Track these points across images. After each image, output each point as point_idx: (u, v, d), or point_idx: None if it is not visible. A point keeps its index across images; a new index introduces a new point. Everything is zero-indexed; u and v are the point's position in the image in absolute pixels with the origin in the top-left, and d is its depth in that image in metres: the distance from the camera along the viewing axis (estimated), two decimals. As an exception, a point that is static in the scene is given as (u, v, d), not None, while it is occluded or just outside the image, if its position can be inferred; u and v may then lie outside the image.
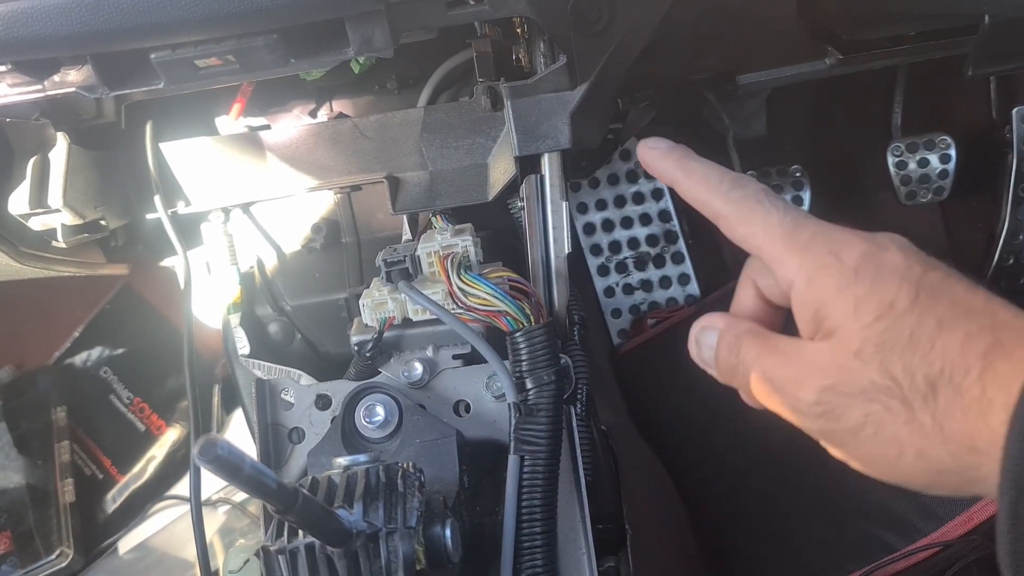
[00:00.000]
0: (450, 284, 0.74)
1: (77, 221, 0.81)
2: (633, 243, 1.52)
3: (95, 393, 1.46)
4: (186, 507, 1.35)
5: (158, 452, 1.42)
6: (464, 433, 0.74)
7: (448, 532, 0.61)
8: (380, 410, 0.74)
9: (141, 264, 1.15)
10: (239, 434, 1.35)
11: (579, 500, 0.73)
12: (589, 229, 1.52)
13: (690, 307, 1.49)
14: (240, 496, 1.30)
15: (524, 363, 0.72)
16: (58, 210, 0.78)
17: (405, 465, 0.63)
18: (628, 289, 1.52)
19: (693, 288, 1.52)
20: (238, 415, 1.40)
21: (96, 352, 1.48)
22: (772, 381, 0.48)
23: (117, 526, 1.39)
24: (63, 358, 1.49)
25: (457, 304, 0.74)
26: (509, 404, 0.71)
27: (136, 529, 1.37)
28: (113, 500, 1.39)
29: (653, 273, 1.52)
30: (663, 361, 1.43)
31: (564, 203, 0.78)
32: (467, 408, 0.76)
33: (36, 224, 0.80)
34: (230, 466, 0.41)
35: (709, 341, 0.54)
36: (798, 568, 1.17)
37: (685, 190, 0.54)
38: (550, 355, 0.72)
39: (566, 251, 0.79)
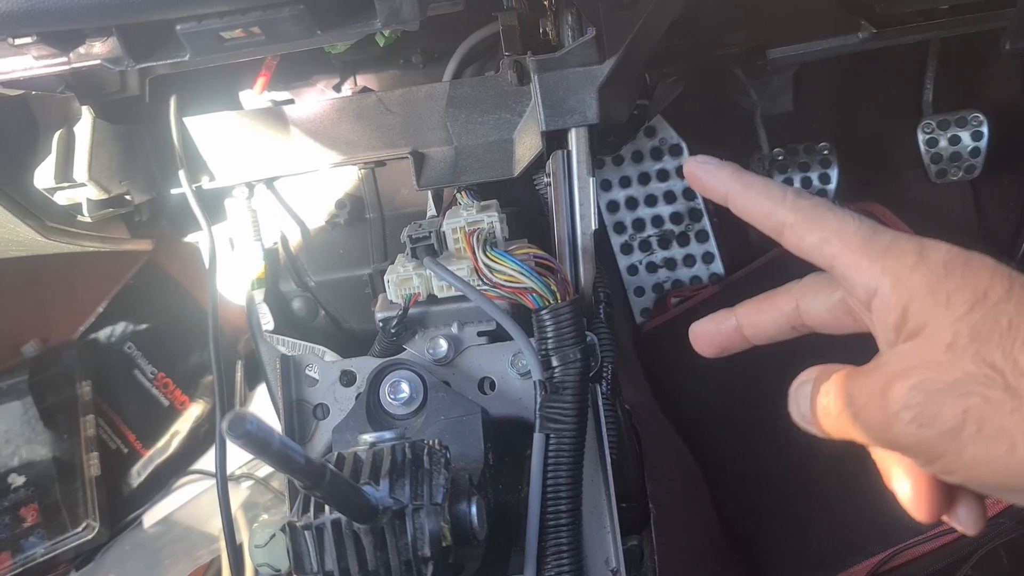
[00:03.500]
0: (476, 260, 0.73)
1: (102, 195, 0.81)
2: (657, 221, 1.51)
3: (119, 368, 1.47)
4: (210, 482, 1.36)
5: (182, 427, 1.43)
6: (489, 410, 0.73)
7: (474, 509, 0.61)
8: (405, 387, 0.73)
9: (165, 239, 1.15)
10: (262, 410, 1.36)
11: (604, 478, 0.73)
12: (613, 207, 1.51)
13: (714, 285, 1.47)
14: (263, 471, 1.30)
15: (550, 341, 0.71)
16: (83, 184, 0.78)
17: (431, 442, 0.62)
18: (651, 267, 1.51)
19: (717, 267, 1.50)
20: (261, 391, 1.40)
21: (120, 327, 1.49)
22: (854, 401, 0.45)
23: (142, 500, 1.40)
24: (87, 333, 1.50)
25: (483, 280, 0.73)
26: (535, 382, 0.70)
27: (160, 503, 1.38)
28: (138, 474, 1.41)
29: (677, 251, 1.51)
30: (686, 340, 1.41)
31: (591, 179, 0.77)
32: (492, 385, 0.75)
33: (62, 198, 0.80)
34: (259, 441, 0.41)
35: (804, 393, 0.51)
36: (821, 549, 1.16)
37: (744, 203, 0.52)
38: (576, 333, 0.71)
39: (593, 228, 0.78)
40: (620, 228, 1.51)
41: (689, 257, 1.51)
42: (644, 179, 1.50)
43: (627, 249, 1.51)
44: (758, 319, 0.57)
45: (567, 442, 0.69)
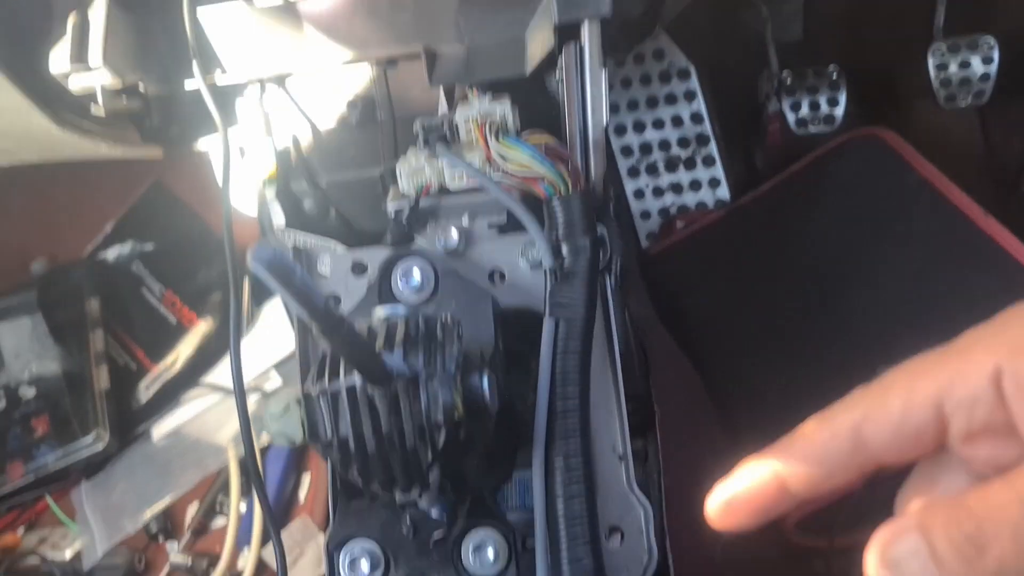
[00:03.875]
0: (488, 150, 0.73)
1: (116, 83, 0.81)
2: (664, 145, 1.51)
3: (127, 286, 1.48)
4: (217, 396, 1.38)
5: (189, 344, 1.44)
6: (499, 301, 0.74)
7: (486, 382, 0.62)
8: (417, 273, 0.74)
9: (174, 156, 1.14)
10: (271, 325, 1.38)
11: (612, 367, 0.74)
12: (620, 130, 1.51)
13: (719, 211, 1.48)
14: (270, 385, 1.32)
15: (561, 229, 0.71)
16: (98, 67, 0.78)
17: (444, 317, 0.63)
18: (658, 192, 1.51)
19: (723, 192, 1.50)
20: (267, 309, 1.42)
21: (128, 246, 1.51)
22: None
23: (150, 414, 1.42)
24: (95, 252, 1.51)
25: (495, 170, 0.73)
26: (545, 270, 0.71)
27: (168, 416, 1.40)
28: (146, 389, 1.43)
29: (683, 176, 1.51)
30: (691, 264, 1.43)
31: (603, 71, 0.77)
32: (502, 276, 0.76)
33: (76, 84, 0.80)
34: (282, 272, 0.41)
35: (911, 546, 0.35)
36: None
37: (807, 459, 0.42)
38: (587, 222, 0.72)
39: (604, 122, 0.78)
40: (627, 152, 1.51)
41: (695, 182, 1.51)
42: (652, 103, 1.50)
43: (634, 173, 1.51)
44: (808, 467, 0.42)
45: (577, 327, 0.69)
